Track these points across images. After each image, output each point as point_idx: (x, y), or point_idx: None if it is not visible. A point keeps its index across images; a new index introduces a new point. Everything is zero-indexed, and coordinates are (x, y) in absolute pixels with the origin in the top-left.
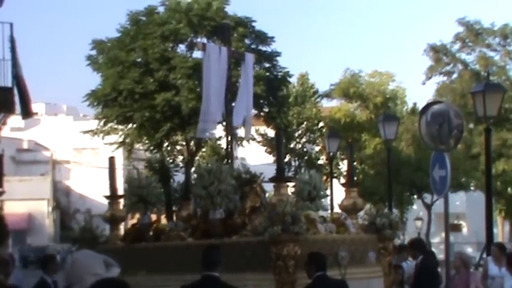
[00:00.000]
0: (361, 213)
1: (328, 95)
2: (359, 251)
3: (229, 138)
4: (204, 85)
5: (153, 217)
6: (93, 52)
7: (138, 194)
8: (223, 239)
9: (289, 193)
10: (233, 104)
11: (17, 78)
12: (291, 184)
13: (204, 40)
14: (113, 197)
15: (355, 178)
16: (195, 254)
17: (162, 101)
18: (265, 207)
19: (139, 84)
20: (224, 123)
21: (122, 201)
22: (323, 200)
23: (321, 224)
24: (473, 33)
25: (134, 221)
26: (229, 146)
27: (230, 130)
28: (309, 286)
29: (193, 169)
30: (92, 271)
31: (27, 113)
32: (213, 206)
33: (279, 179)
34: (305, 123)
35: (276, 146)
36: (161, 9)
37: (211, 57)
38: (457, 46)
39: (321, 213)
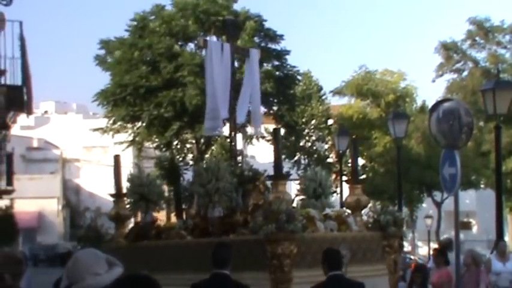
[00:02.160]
0: (367, 210)
1: (339, 91)
2: (361, 249)
3: (233, 135)
4: (208, 82)
5: (156, 215)
6: (101, 51)
7: (139, 192)
8: (221, 237)
9: (287, 191)
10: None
11: (26, 76)
12: (295, 182)
13: (214, 38)
14: (118, 195)
15: (365, 176)
16: (194, 252)
17: (165, 98)
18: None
19: (144, 79)
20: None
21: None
22: (330, 197)
23: (320, 221)
24: (483, 31)
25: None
26: (233, 143)
27: (235, 127)
28: (320, 285)
29: None
30: (92, 270)
31: (28, 110)
32: (211, 204)
33: (276, 176)
34: (313, 121)
35: (273, 144)
36: (169, 7)
37: (213, 53)
38: (467, 44)
39: (328, 210)
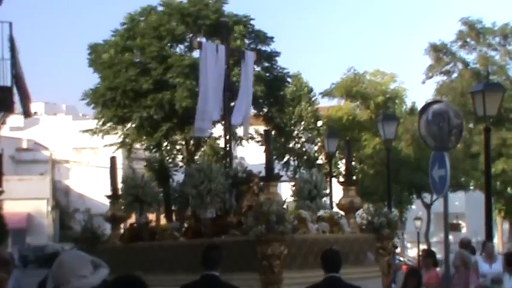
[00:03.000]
0: (360, 212)
1: (329, 93)
2: (354, 251)
3: (227, 137)
4: (201, 84)
5: (151, 216)
6: (92, 56)
7: (134, 193)
8: (213, 239)
9: (278, 192)
10: (232, 103)
11: (17, 77)
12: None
13: (204, 39)
14: (114, 196)
15: (355, 177)
16: (186, 253)
17: (154, 100)
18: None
19: (133, 83)
20: (223, 122)
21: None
22: (325, 199)
23: (312, 223)
24: (474, 32)
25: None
26: (228, 145)
27: (230, 128)
28: (314, 287)
29: None
30: (78, 273)
31: (25, 112)
32: (203, 205)
33: (268, 178)
34: (303, 122)
35: (265, 145)
36: (159, 8)
37: (207, 55)
38: (458, 45)
39: (322, 212)
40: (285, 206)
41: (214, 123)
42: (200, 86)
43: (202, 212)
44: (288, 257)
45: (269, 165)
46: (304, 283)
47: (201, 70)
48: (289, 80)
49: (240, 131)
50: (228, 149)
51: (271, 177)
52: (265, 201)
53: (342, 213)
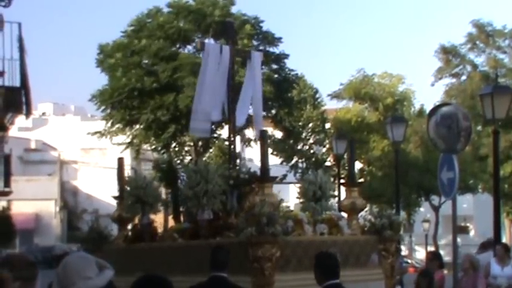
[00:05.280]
0: (363, 213)
1: (338, 95)
2: (354, 253)
3: (232, 138)
4: (198, 84)
5: (154, 217)
6: (100, 56)
7: (136, 194)
8: (209, 240)
9: (274, 193)
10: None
11: (23, 77)
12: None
13: (211, 40)
14: (121, 197)
15: (363, 180)
16: (183, 254)
17: (159, 102)
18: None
19: (139, 82)
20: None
21: None
22: (330, 200)
23: (309, 225)
24: (484, 35)
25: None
26: (232, 146)
27: (234, 130)
28: None
29: None
30: (83, 274)
31: (27, 112)
32: (200, 206)
33: (262, 179)
34: (310, 124)
35: (260, 147)
36: (165, 8)
37: (210, 56)
38: (467, 48)
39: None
40: (291, 208)
41: (219, 124)
42: (197, 86)
43: (199, 213)
44: (280, 260)
45: (264, 166)
46: (298, 286)
47: (201, 70)
48: (297, 82)
49: (249, 133)
50: (232, 149)
51: (265, 178)
52: (258, 202)
53: (345, 214)
